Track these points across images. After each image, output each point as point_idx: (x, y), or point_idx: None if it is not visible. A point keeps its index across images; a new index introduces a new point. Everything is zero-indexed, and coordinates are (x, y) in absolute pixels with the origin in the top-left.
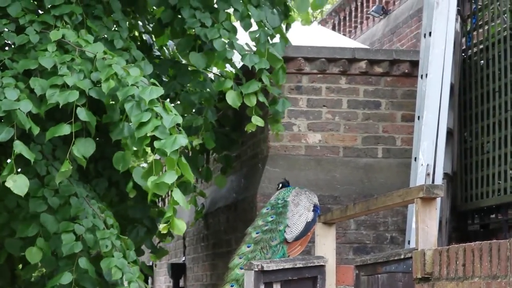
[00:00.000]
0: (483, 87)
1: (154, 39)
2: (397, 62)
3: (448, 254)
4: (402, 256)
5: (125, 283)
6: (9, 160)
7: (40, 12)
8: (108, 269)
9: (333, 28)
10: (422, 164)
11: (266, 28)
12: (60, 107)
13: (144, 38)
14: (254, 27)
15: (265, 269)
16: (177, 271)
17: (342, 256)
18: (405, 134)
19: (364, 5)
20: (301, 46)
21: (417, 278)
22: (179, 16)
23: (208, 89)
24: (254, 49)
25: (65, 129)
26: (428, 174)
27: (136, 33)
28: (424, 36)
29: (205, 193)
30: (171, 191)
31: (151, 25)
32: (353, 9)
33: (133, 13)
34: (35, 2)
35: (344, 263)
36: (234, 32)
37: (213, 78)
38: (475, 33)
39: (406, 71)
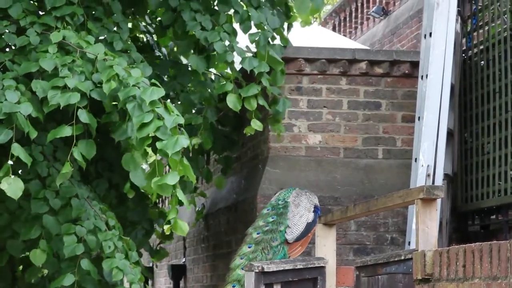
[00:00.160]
0: (484, 88)
1: (156, 39)
2: (398, 63)
3: (448, 255)
4: (402, 257)
5: (127, 285)
6: (9, 162)
7: (41, 13)
8: (109, 270)
9: (333, 29)
10: (422, 165)
11: (266, 30)
12: (61, 108)
13: (146, 38)
14: (254, 28)
15: (265, 270)
16: (178, 272)
17: (342, 257)
18: (405, 135)
19: (364, 5)
20: (301, 47)
21: (417, 279)
22: (180, 19)
23: (208, 89)
24: (255, 50)
25: (66, 131)
26: (428, 175)
27: (138, 34)
28: (425, 37)
29: (206, 194)
30: (174, 191)
31: (153, 25)
32: (353, 9)
33: (133, 15)
34: (36, 4)
35: (344, 264)
36: (234, 35)
37: (213, 78)
38: (475, 33)
39: (407, 72)
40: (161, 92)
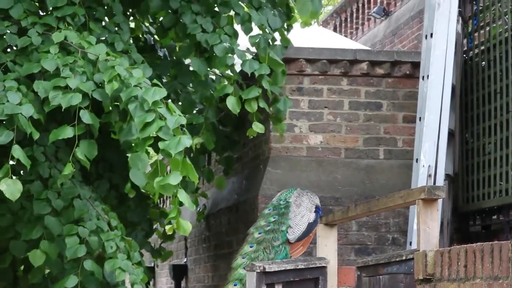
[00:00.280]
0: (485, 88)
1: (157, 39)
2: (399, 64)
3: (449, 255)
4: (403, 257)
5: (128, 285)
6: (11, 162)
7: (42, 14)
8: (111, 271)
9: (335, 30)
10: (423, 165)
11: (267, 32)
12: (62, 109)
13: (147, 38)
14: (255, 30)
15: (267, 270)
16: (179, 272)
17: (343, 257)
18: (406, 135)
19: (366, 6)
20: (303, 47)
21: (418, 279)
22: (181, 21)
23: (209, 89)
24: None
25: (68, 132)
26: (429, 175)
27: (139, 34)
28: (426, 38)
29: (207, 194)
30: (176, 191)
31: (154, 26)
32: (354, 10)
33: (133, 16)
34: (37, 4)
35: (345, 264)
36: (235, 37)
37: (214, 78)
38: (476, 34)
39: (408, 72)
40: (163, 92)
